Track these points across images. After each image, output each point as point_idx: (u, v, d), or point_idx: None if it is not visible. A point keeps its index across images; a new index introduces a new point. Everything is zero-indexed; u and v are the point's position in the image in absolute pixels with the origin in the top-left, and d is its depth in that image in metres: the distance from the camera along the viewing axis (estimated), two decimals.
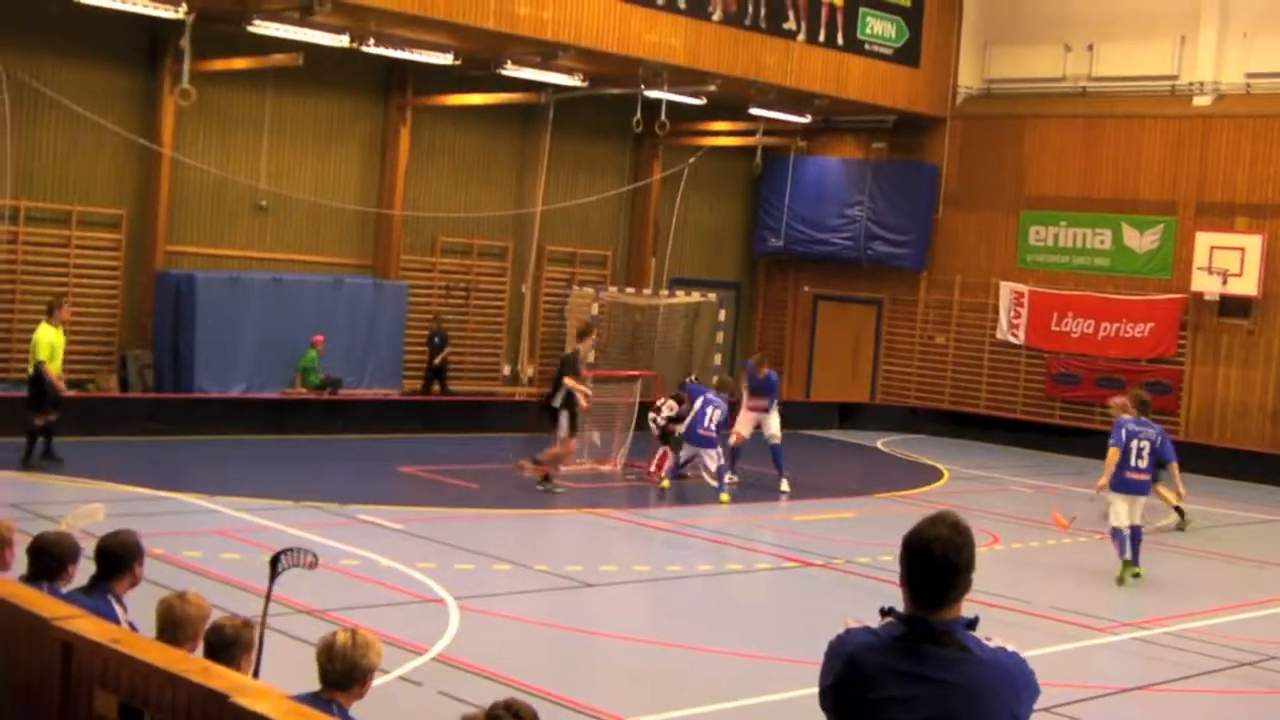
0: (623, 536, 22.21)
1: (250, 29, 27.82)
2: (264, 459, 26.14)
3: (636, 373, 29.87)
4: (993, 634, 5.42)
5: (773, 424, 26.19)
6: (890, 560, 18.28)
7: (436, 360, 33.06)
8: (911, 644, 5.38)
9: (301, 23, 27.50)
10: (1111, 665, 16.27)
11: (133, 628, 8.17)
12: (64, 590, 8.83)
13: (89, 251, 29.73)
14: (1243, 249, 33.55)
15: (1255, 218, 33.84)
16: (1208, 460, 31.70)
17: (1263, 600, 20.10)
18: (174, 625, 7.83)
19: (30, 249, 28.91)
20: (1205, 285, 34.04)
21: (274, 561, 8.42)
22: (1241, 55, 34.56)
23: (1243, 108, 34.44)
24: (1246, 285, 33.54)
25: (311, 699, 7.01)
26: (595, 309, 35.53)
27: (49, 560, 9.00)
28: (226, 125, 30.69)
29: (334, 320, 31.29)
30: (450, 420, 30.98)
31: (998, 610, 18.08)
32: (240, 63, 29.46)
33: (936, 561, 5.37)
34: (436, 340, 33.08)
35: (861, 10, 36.04)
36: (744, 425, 26.46)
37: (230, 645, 7.65)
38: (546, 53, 30.72)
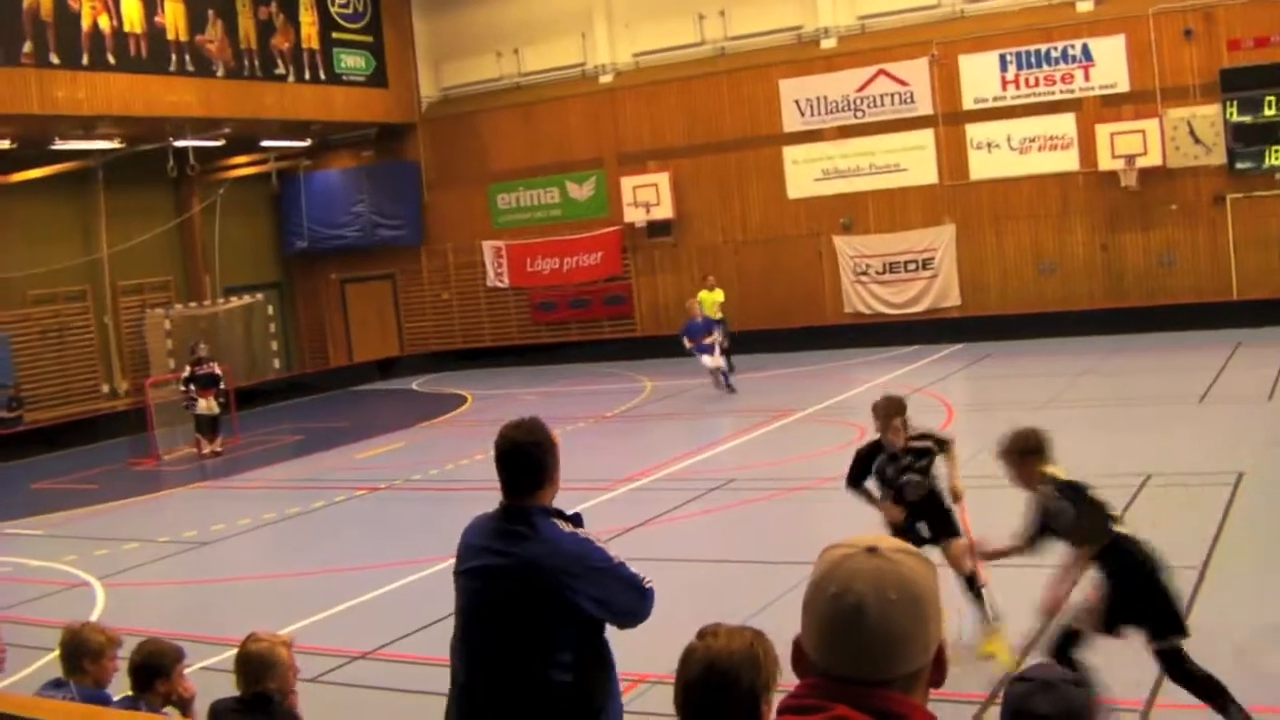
0: (225, 501, 21.97)
1: None
2: None
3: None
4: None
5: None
6: (437, 474, 18.53)
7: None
8: (500, 523, 5.52)
9: None
10: (618, 510, 16.58)
11: None
12: None
13: None
14: (656, 185, 34.76)
15: (661, 160, 35.00)
16: (657, 347, 32.96)
17: (715, 441, 21.02)
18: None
19: None
20: (634, 216, 35.21)
21: None
22: (628, 41, 35.70)
23: (636, 79, 35.56)
24: (664, 211, 34.78)
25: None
26: (168, 325, 34.73)
27: None
28: None
29: None
30: (67, 438, 29.89)
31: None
32: None
33: (506, 457, 5.56)
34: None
35: (335, 50, 35.94)
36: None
37: None
38: (87, 125, 29.88)
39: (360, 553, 16.27)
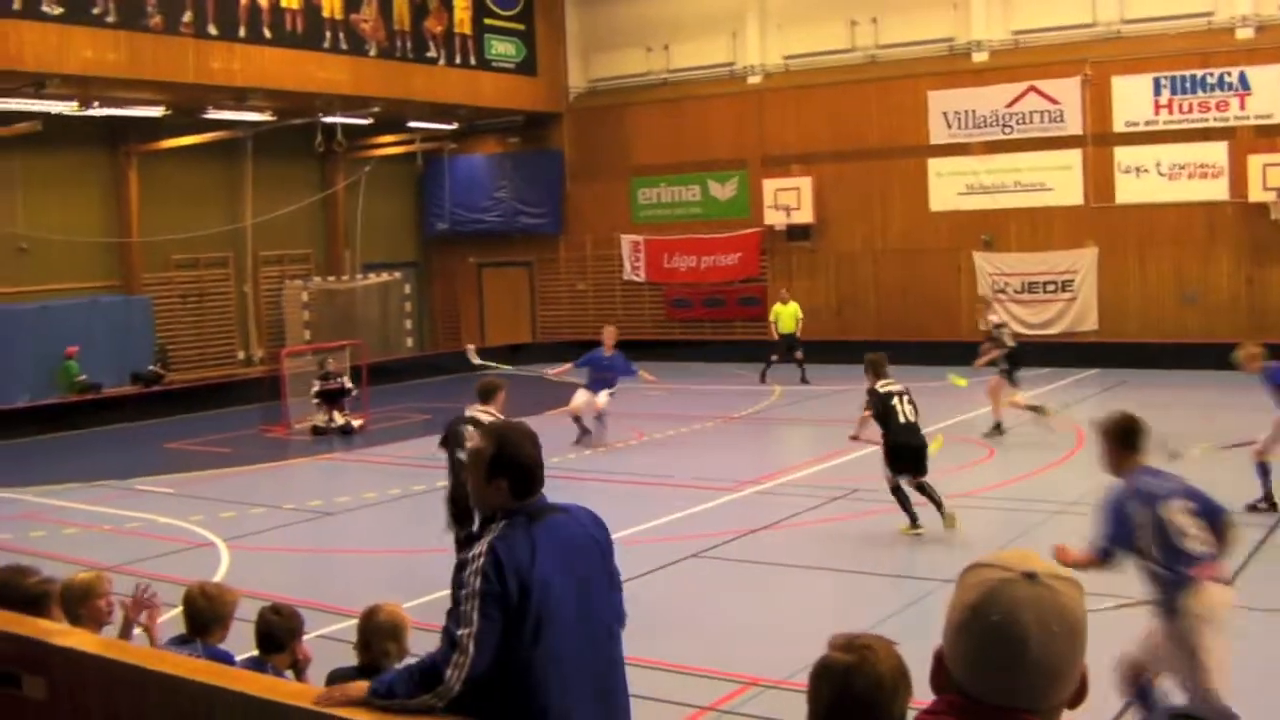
0: (351, 474, 22.30)
1: None
2: (53, 452, 25.45)
3: (345, 342, 29.82)
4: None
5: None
6: (559, 462, 18.61)
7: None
8: (530, 522, 5.22)
9: (36, 96, 26.96)
10: (741, 513, 16.70)
11: None
12: None
13: None
14: (798, 188, 34.70)
15: (805, 164, 34.91)
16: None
17: (843, 450, 20.94)
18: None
19: None
20: (774, 219, 35.18)
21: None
22: (779, 43, 35.64)
23: (785, 82, 35.49)
24: (805, 216, 34.70)
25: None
26: (305, 297, 35.33)
27: None
28: None
29: (95, 333, 30.55)
30: (201, 401, 30.50)
31: (649, 487, 18.69)
32: None
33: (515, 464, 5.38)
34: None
35: (487, 36, 36.31)
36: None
37: (40, 598, 7.52)
38: (239, 96, 30.42)
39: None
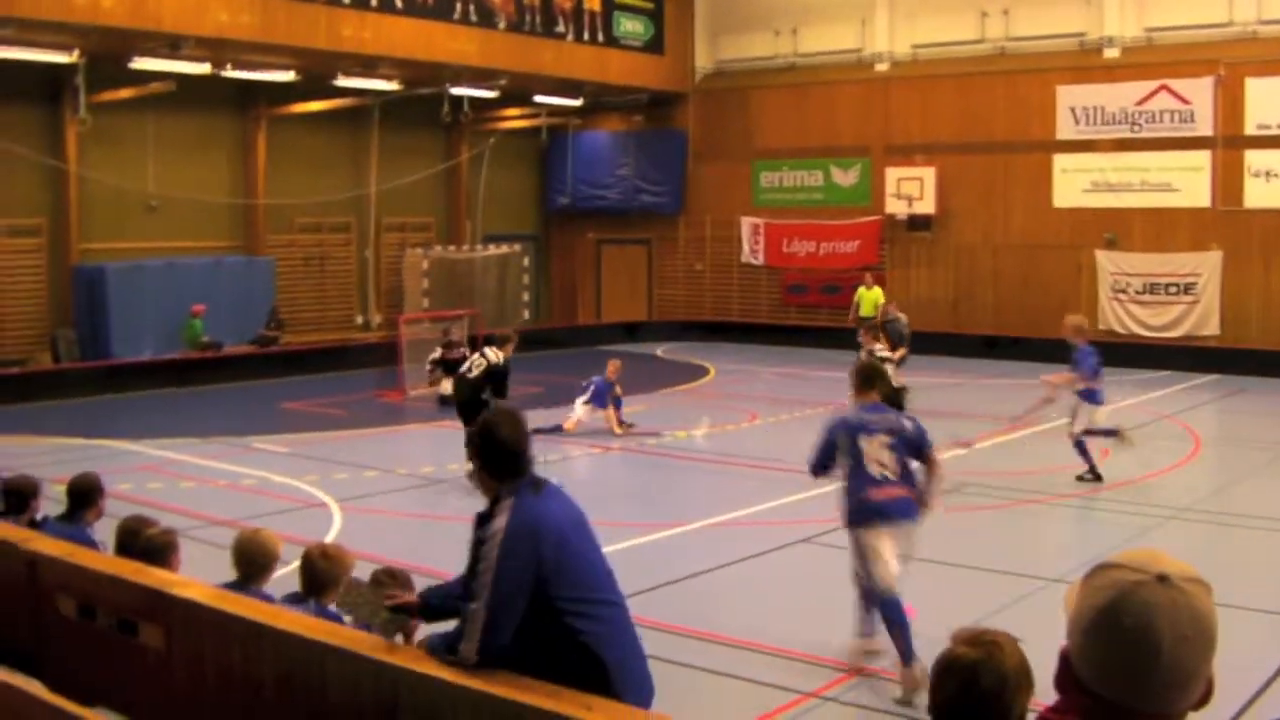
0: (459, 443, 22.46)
1: (131, 65, 27.58)
2: (172, 408, 25.89)
3: (462, 312, 30.10)
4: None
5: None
6: (670, 441, 18.69)
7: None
8: (535, 491, 5.62)
9: (172, 57, 27.31)
10: None
11: (101, 548, 8.22)
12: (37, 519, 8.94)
13: (17, 255, 29.31)
14: (921, 179, 34.47)
15: (928, 154, 34.63)
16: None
17: (955, 444, 20.78)
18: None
19: None
20: (896, 208, 34.97)
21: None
22: (907, 31, 35.38)
23: (912, 70, 35.24)
24: (926, 206, 34.46)
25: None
26: (425, 265, 35.64)
27: (15, 498, 9.11)
28: (119, 143, 30.14)
29: (218, 292, 30.98)
30: (319, 364, 30.90)
31: (762, 470, 18.65)
32: (125, 92, 28.95)
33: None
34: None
35: (616, 13, 36.39)
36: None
37: (162, 549, 7.67)
38: (368, 64, 30.71)
39: (589, 511, 16.49)
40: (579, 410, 22.22)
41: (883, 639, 9.84)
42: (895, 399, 15.74)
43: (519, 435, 5.69)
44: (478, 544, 5.38)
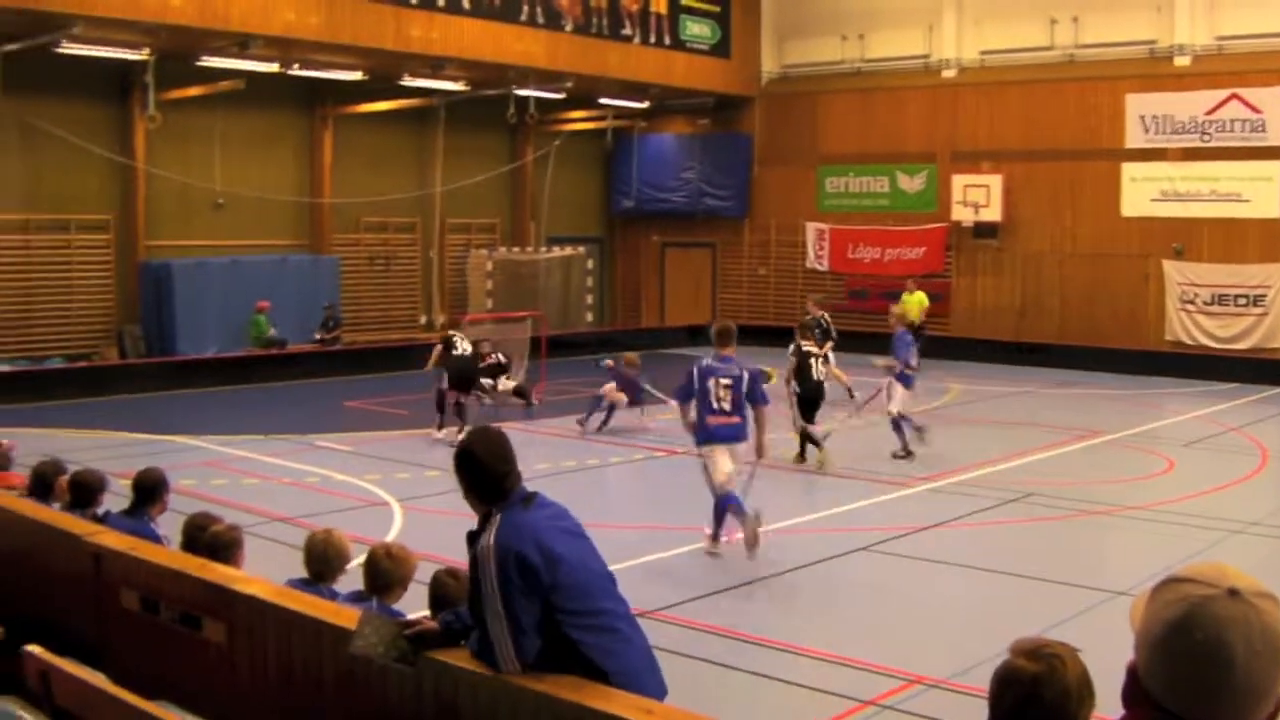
0: (523, 444, 22.46)
1: (200, 64, 27.92)
2: (236, 404, 26.07)
3: (526, 313, 30.18)
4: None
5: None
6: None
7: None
8: (524, 507, 5.71)
9: (240, 56, 27.62)
10: (913, 509, 16.53)
11: (165, 542, 8.31)
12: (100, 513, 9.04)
13: (86, 250, 29.64)
14: (988, 186, 34.25)
15: (995, 161, 34.44)
16: (970, 349, 33.00)
17: (1019, 453, 20.65)
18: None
19: (39, 251, 28.90)
20: (962, 215, 34.77)
21: None
22: (975, 38, 35.21)
23: (980, 78, 35.05)
24: (993, 214, 34.23)
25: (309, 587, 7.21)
26: (489, 266, 35.76)
27: (81, 492, 9.22)
28: (187, 141, 30.40)
29: (282, 290, 31.23)
30: (381, 363, 31.04)
31: (820, 477, 18.62)
32: (194, 90, 29.20)
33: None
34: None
35: (682, 16, 36.39)
36: None
37: (227, 546, 7.74)
38: (435, 65, 30.84)
39: (647, 514, 16.53)
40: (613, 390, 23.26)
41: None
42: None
43: (498, 455, 5.72)
44: (472, 563, 5.41)
